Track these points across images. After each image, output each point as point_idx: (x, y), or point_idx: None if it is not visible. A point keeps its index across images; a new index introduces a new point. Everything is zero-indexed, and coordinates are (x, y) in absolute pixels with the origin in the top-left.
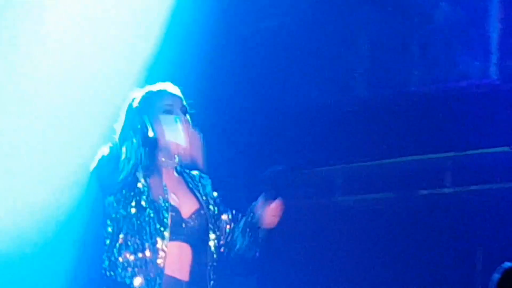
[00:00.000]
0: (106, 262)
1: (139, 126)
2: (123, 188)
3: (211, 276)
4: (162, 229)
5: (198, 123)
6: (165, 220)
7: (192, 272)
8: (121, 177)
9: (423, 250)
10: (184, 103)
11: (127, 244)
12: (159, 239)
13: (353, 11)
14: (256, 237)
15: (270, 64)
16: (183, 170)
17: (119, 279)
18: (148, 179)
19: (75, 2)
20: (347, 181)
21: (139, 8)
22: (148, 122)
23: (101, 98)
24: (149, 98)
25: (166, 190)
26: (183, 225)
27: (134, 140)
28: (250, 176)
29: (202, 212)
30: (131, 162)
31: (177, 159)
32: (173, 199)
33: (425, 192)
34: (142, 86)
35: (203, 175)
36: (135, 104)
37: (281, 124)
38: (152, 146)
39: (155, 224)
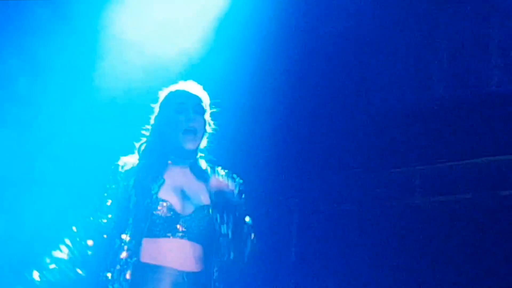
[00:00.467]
0: None
1: (153, 124)
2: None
3: (215, 273)
4: (142, 225)
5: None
6: (152, 216)
7: (192, 268)
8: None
9: (502, 252)
10: (202, 102)
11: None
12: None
13: (432, 11)
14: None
15: (348, 66)
16: (195, 167)
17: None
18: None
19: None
20: (425, 182)
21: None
22: (162, 121)
23: None
24: (166, 97)
25: (158, 187)
26: (181, 222)
27: (149, 138)
28: (328, 177)
29: (205, 209)
30: (143, 158)
31: (188, 158)
32: (170, 197)
33: (505, 193)
34: None
35: (216, 171)
36: (157, 103)
37: (359, 125)
38: (162, 145)
39: (138, 220)
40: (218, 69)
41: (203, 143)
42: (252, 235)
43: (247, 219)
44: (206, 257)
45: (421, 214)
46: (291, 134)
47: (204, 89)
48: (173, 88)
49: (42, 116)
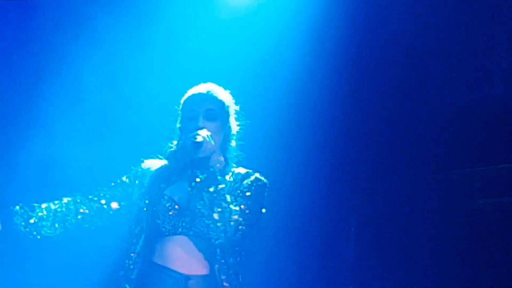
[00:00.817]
0: None
1: (176, 130)
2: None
3: (221, 270)
4: (151, 223)
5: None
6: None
7: (199, 271)
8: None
9: None
10: (215, 108)
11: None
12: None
13: (490, 10)
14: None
15: (405, 67)
16: (195, 170)
17: None
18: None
19: None
20: (485, 183)
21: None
22: (180, 127)
23: None
24: (182, 103)
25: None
26: (181, 219)
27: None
28: (387, 179)
29: (198, 198)
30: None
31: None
32: (175, 193)
33: None
34: None
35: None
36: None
37: (419, 127)
38: (182, 150)
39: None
40: (285, 70)
41: (232, 144)
42: (235, 216)
43: (228, 198)
44: (212, 258)
45: (481, 216)
46: (350, 136)
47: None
48: (189, 92)
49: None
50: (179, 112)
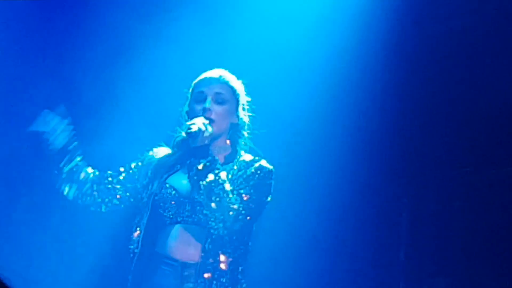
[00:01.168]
0: None
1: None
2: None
3: (208, 260)
4: (150, 210)
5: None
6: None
7: (197, 258)
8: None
9: None
10: (224, 92)
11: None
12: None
13: None
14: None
15: (458, 65)
16: (193, 159)
17: None
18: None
19: None
20: None
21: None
22: (187, 111)
23: None
24: (192, 86)
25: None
26: (180, 207)
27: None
28: (438, 177)
29: (196, 188)
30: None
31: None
32: (174, 183)
33: None
34: None
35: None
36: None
37: (471, 122)
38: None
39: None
40: (339, 66)
41: (242, 133)
42: (235, 206)
43: (227, 187)
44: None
45: None
46: (401, 133)
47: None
48: (201, 76)
49: None
50: (188, 96)
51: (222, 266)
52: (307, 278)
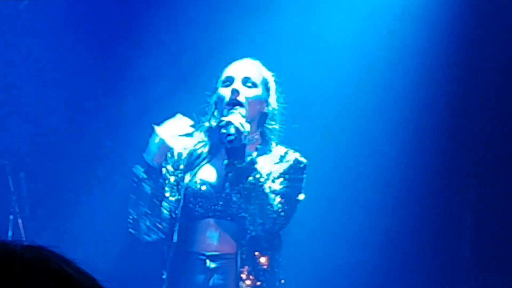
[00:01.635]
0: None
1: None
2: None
3: (243, 255)
4: (182, 204)
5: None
6: (181, 194)
7: (228, 250)
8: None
9: None
10: (254, 77)
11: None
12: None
13: None
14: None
15: None
16: (231, 160)
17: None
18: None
19: None
20: None
21: None
22: (212, 97)
23: None
24: (222, 71)
25: (195, 165)
26: (213, 202)
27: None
28: (505, 172)
29: (234, 191)
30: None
31: (226, 136)
32: (208, 176)
33: None
34: None
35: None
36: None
37: None
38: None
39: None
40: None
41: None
42: (276, 208)
43: (267, 188)
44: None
45: None
46: (466, 130)
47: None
48: (229, 65)
49: None
50: (217, 86)
51: (260, 260)
52: (369, 276)
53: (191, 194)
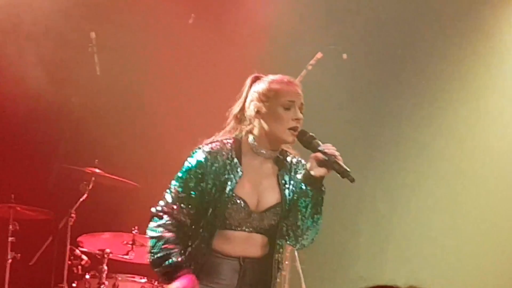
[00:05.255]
0: None
1: (254, 109)
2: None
3: (276, 261)
4: (216, 218)
5: None
6: (226, 211)
7: (255, 254)
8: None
9: None
10: (303, 102)
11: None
12: (210, 225)
13: None
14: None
15: None
16: (283, 162)
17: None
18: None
19: None
20: None
21: None
22: (268, 115)
23: None
24: (275, 88)
25: (234, 178)
26: (251, 217)
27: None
28: None
29: (278, 209)
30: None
31: (272, 151)
32: (245, 191)
33: None
34: None
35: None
36: (262, 87)
37: None
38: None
39: (210, 209)
40: None
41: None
42: (315, 226)
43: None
44: (271, 245)
45: None
46: None
47: None
48: (281, 84)
49: None
50: (267, 102)
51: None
52: None
53: (225, 208)
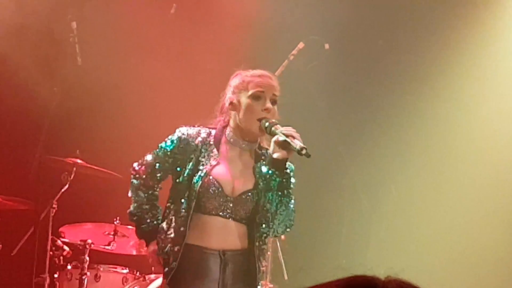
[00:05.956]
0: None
1: (228, 101)
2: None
3: (258, 252)
4: (189, 201)
5: None
6: (196, 193)
7: (234, 246)
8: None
9: None
10: (276, 94)
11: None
12: (185, 210)
13: None
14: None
15: None
16: (260, 155)
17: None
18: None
19: None
20: None
21: None
22: (237, 102)
23: None
24: (247, 80)
25: (209, 162)
26: (226, 202)
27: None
28: None
29: (250, 195)
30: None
31: (248, 143)
32: (221, 176)
33: None
34: None
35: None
36: (236, 81)
37: None
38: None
39: (186, 194)
40: None
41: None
42: (292, 218)
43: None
44: (250, 235)
45: None
46: None
47: None
48: (253, 77)
49: None
50: (232, 87)
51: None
52: None
53: (204, 191)
